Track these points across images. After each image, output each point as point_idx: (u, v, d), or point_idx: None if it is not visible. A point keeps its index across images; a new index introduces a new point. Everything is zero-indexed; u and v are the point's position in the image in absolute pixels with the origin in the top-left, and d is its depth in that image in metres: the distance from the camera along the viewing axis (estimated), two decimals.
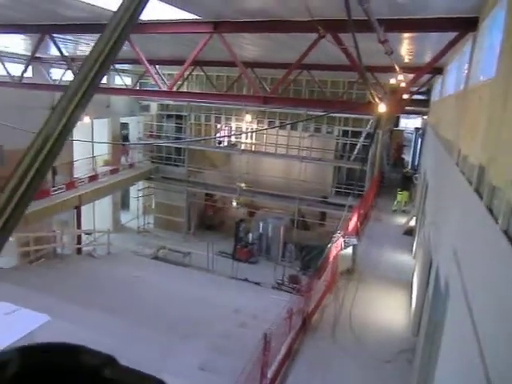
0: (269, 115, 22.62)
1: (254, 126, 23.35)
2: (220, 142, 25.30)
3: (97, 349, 0.75)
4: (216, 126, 25.14)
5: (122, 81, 20.39)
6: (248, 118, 21.51)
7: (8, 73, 10.15)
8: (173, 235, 23.01)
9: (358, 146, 20.86)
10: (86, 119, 19.81)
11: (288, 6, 6.03)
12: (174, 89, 8.37)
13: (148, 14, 7.19)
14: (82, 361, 0.72)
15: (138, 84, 21.02)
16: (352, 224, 12.62)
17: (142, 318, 11.64)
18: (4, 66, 10.06)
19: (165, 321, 11.79)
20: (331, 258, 10.74)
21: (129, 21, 0.76)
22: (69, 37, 10.81)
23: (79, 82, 0.74)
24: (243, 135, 24.34)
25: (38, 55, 16.25)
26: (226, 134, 24.92)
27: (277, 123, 22.02)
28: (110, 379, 0.70)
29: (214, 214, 24.89)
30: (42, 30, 9.00)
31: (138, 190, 24.73)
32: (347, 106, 9.50)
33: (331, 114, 16.08)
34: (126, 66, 20.21)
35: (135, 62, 15.52)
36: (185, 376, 8.66)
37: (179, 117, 24.47)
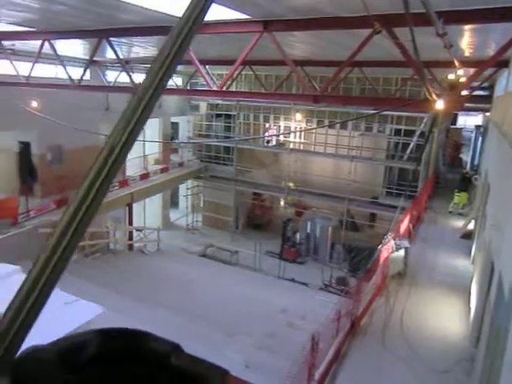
0: (318, 114, 22.33)
1: (303, 125, 23.16)
2: (268, 142, 25.31)
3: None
4: (264, 125, 25.19)
5: (173, 81, 20.92)
6: (298, 116, 21.28)
7: (69, 76, 10.69)
8: (220, 233, 23.33)
9: (411, 146, 20.04)
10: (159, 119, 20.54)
11: (339, 2, 5.88)
12: (224, 88, 8.43)
13: None
14: (151, 346, 0.77)
15: (189, 84, 21.50)
16: (404, 226, 12.15)
17: (190, 314, 11.90)
18: (65, 69, 10.59)
19: (212, 318, 11.98)
20: (381, 261, 10.40)
21: (194, 23, 0.73)
22: (123, 40, 11.22)
23: (146, 87, 0.71)
24: (292, 134, 24.18)
25: (95, 58, 17.14)
26: (275, 133, 24.86)
27: (326, 122, 21.69)
28: (175, 365, 0.73)
29: (262, 213, 24.94)
30: (100, 35, 9.39)
31: (187, 189, 25.30)
32: (402, 103, 9.11)
33: (383, 112, 15.56)
34: (176, 67, 20.70)
35: (186, 62, 15.91)
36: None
37: (228, 116, 24.76)
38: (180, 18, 0.67)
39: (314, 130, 22.41)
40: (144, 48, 13.30)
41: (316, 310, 13.99)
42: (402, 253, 10.68)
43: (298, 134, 23.62)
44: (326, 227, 20.45)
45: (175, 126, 26.58)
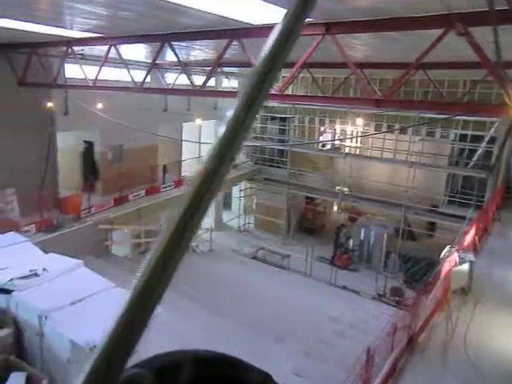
0: (376, 118, 21.57)
1: (360, 129, 22.54)
2: (324, 145, 24.87)
3: (196, 346, 0.76)
4: (319, 129, 24.80)
5: (230, 83, 21.14)
6: (359, 121, 20.33)
7: (132, 79, 11.08)
8: (272, 236, 23.24)
9: (479, 152, 18.76)
10: (198, 121, 20.93)
11: (408, 1, 5.56)
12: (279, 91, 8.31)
13: (255, 18, 7.26)
14: (244, 376, 0.70)
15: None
16: (469, 238, 11.38)
17: (239, 316, 11.89)
18: (129, 72, 10.99)
19: (261, 321, 11.90)
20: (443, 274, 9.80)
21: (295, 26, 0.61)
22: (183, 44, 11.45)
23: (243, 107, 0.60)
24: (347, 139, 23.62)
25: (156, 62, 17.71)
26: (333, 139, 24.29)
27: (384, 126, 20.93)
28: None
29: (314, 218, 24.56)
30: (163, 39, 9.63)
31: (240, 190, 25.48)
32: (473, 108, 8.49)
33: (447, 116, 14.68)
34: (233, 69, 20.87)
35: (243, 65, 16.01)
36: (279, 380, 8.58)
37: (283, 119, 24.64)
38: (284, 16, 0.55)
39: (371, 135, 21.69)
40: (203, 51, 13.53)
41: (368, 320, 13.53)
42: (466, 267, 9.99)
43: (354, 138, 23.04)
44: (381, 234, 19.73)
45: None
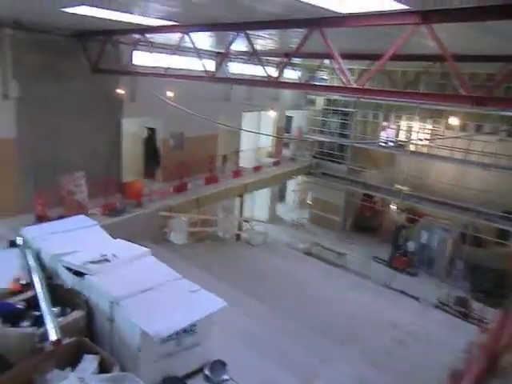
0: (447, 114, 20.14)
1: (428, 126, 21.32)
2: (387, 142, 23.84)
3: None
4: (383, 125, 23.77)
5: (297, 74, 20.65)
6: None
7: (204, 68, 10.97)
8: (326, 233, 22.71)
9: None
10: (271, 112, 20.70)
11: None
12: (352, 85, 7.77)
13: (349, 7, 6.77)
14: None
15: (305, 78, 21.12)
16: None
17: (296, 314, 11.62)
18: (201, 61, 10.89)
19: (318, 321, 11.55)
20: None
21: None
22: (257, 33, 11.16)
23: None
24: (413, 135, 22.42)
25: (219, 50, 17.60)
26: (410, 139, 22.91)
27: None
28: None
29: (371, 216, 23.71)
30: (237, 28, 9.37)
31: (297, 184, 25.10)
32: None
33: None
34: (296, 60, 20.34)
35: (310, 55, 15.51)
36: None
37: (345, 113, 23.84)
38: None
39: (441, 132, 20.42)
40: (272, 40, 13.19)
41: (429, 329, 12.84)
42: None
43: (419, 135, 21.83)
44: (445, 239, 18.62)
45: (289, 119, 26.47)
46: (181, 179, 17.03)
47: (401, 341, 11.72)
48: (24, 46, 12.37)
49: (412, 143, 22.18)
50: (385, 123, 23.78)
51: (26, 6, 9.17)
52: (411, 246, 19.61)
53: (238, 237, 19.80)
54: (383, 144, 23.12)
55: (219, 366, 6.70)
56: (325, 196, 23.68)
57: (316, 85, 15.20)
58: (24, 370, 5.43)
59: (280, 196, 26.64)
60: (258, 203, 23.83)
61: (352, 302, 13.78)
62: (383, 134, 24.14)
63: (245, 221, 20.68)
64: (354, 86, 7.59)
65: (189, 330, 6.26)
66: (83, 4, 8.34)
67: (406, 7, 6.33)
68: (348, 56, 13.56)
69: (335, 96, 22.94)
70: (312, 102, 25.76)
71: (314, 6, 6.78)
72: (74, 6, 8.45)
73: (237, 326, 8.81)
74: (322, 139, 23.30)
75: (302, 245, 20.31)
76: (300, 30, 8.94)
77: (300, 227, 23.95)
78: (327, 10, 7.01)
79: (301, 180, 25.06)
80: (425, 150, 22.05)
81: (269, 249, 18.84)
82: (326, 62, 19.26)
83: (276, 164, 22.75)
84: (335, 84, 19.60)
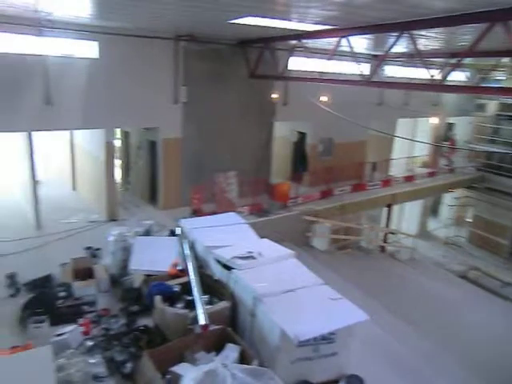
0: None
1: None
2: None
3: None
4: None
5: (465, 76, 18.65)
6: None
7: (360, 72, 10.62)
8: (488, 256, 19.90)
9: None
10: (433, 119, 19.29)
11: None
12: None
13: None
14: None
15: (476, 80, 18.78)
16: None
17: (445, 342, 10.25)
18: (359, 65, 10.56)
19: (470, 358, 9.88)
20: None
21: None
22: (421, 32, 10.27)
23: None
24: None
25: (375, 53, 16.87)
26: None
27: None
28: None
29: None
30: (401, 28, 8.76)
31: (455, 198, 22.60)
32: None
33: None
34: (465, 60, 18.25)
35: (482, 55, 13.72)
36: None
37: None
38: None
39: None
40: (438, 39, 12.04)
41: None
42: None
43: None
44: None
45: (449, 127, 24.01)
46: (327, 185, 16.88)
47: None
48: (193, 55, 13.82)
49: None
50: None
51: (200, 19, 10.18)
52: None
53: (382, 249, 18.70)
54: None
55: (356, 381, 6.33)
56: (489, 214, 20.78)
57: (491, 87, 13.38)
58: (178, 345, 6.04)
59: (433, 210, 24.33)
60: (407, 215, 22.20)
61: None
62: None
63: (391, 233, 19.43)
64: None
65: (327, 338, 6.07)
66: (249, 15, 8.89)
67: None
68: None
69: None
70: (481, 107, 22.85)
71: None
72: (239, 18, 9.06)
73: (377, 343, 8.25)
74: (492, 150, 20.40)
75: (458, 267, 18.15)
76: (475, 25, 7.91)
77: (455, 246, 21.47)
78: None
79: (460, 194, 22.45)
80: None
81: (416, 265, 17.29)
82: (505, 60, 16.85)
83: (431, 175, 20.86)
84: None
